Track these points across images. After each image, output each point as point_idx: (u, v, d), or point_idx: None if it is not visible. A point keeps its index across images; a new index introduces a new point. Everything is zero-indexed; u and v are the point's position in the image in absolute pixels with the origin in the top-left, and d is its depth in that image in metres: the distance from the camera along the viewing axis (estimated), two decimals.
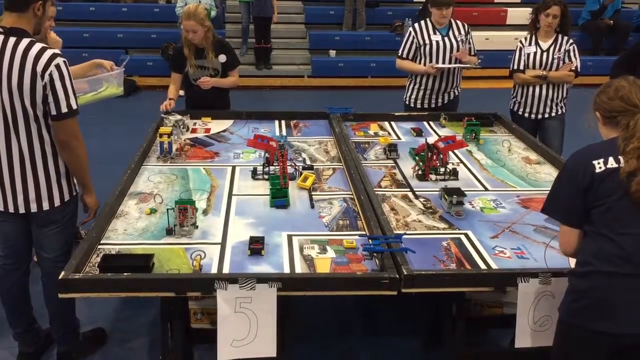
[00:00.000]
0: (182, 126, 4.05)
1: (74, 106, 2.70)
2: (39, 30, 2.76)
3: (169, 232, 2.69)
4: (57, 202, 2.82)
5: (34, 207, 2.79)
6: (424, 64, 4.64)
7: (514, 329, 2.45)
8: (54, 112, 2.65)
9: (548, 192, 2.27)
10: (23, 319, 3.07)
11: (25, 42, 2.61)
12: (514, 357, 2.79)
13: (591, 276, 2.10)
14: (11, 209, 2.79)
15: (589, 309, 2.10)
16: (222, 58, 4.35)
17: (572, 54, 4.54)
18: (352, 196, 3.13)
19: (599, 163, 2.08)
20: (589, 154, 2.13)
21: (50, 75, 2.60)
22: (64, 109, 2.66)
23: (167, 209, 2.73)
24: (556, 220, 2.32)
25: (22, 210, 2.79)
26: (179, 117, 4.10)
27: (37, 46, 2.62)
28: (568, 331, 2.18)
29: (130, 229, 2.76)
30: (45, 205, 2.79)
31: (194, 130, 4.11)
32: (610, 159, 2.07)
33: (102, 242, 2.63)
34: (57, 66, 2.62)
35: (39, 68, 2.58)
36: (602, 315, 2.07)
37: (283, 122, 4.41)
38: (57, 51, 2.67)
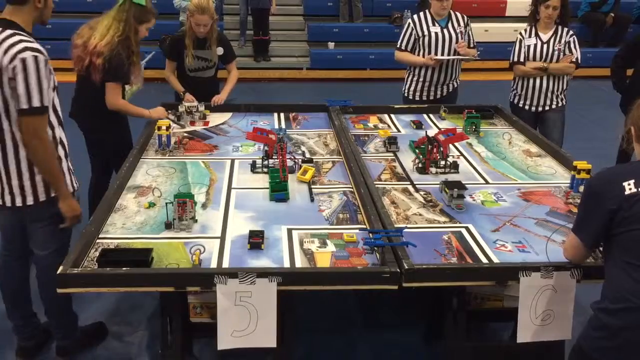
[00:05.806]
0: (195, 112, 4.07)
1: (36, 104, 2.54)
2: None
3: (168, 226, 2.67)
4: (41, 197, 2.75)
5: (19, 201, 2.74)
6: (423, 56, 4.61)
7: (515, 322, 2.44)
8: (16, 108, 2.56)
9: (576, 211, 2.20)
10: (22, 312, 3.06)
11: (6, 33, 2.54)
12: (514, 350, 2.79)
13: (627, 313, 1.95)
14: (1, 202, 2.76)
15: (622, 349, 1.96)
16: (220, 51, 4.38)
17: (572, 45, 4.52)
18: (352, 189, 3.12)
19: (629, 184, 1.95)
20: (617, 174, 2.01)
21: (14, 69, 2.50)
22: (24, 105, 2.53)
23: (166, 203, 2.71)
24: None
25: (8, 203, 2.74)
26: (194, 103, 4.09)
27: (15, 38, 2.53)
28: None
29: (128, 223, 2.74)
30: (29, 200, 2.73)
31: (192, 123, 4.08)
32: None
33: (100, 236, 2.61)
34: (23, 60, 2.50)
35: (6, 60, 2.50)
36: (634, 356, 1.95)
37: (282, 114, 4.38)
38: (33, 46, 2.55)
